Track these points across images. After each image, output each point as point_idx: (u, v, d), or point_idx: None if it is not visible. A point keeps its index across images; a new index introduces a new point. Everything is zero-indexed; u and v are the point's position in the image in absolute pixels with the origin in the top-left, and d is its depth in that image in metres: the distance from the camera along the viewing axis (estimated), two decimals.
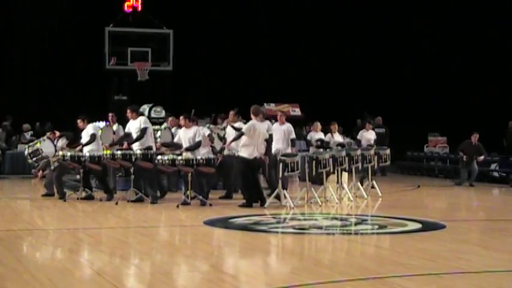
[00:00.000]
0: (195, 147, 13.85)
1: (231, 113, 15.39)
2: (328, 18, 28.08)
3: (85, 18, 25.27)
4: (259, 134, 13.60)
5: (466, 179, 19.68)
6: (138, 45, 24.19)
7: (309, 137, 18.34)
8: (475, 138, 19.83)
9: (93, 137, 14.64)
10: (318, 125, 18.15)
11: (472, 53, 25.46)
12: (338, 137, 17.56)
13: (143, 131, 14.12)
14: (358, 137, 17.91)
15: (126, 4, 24.51)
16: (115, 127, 15.97)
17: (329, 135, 17.59)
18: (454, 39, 26.13)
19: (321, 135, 17.75)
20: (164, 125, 16.81)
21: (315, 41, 27.98)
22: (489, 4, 25.47)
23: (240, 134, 13.80)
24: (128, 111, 14.47)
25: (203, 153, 13.87)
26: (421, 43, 27.18)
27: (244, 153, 13.63)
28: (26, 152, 15.47)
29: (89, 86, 25.61)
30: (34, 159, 15.37)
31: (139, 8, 24.51)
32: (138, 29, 24.25)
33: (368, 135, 17.77)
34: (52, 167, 15.16)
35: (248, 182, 13.69)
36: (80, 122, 14.89)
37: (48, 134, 15.55)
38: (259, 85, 26.04)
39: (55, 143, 15.34)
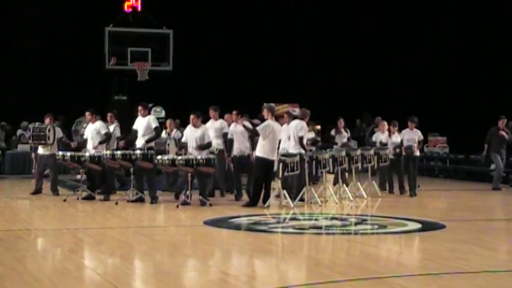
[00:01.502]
0: (207, 146, 13.92)
1: (234, 112, 15.29)
2: (328, 18, 28.07)
3: (85, 18, 25.27)
4: (275, 133, 13.62)
5: (500, 176, 17.98)
6: (138, 45, 24.17)
7: (374, 138, 17.33)
8: (502, 123, 17.91)
9: (108, 136, 14.80)
10: (385, 124, 17.16)
11: (472, 53, 25.45)
12: (397, 138, 16.56)
13: (157, 130, 14.26)
14: (401, 136, 16.48)
15: (126, 4, 24.48)
16: (112, 127, 15.96)
17: (386, 135, 16.91)
18: (454, 39, 26.12)
19: (386, 135, 16.95)
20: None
21: (315, 41, 27.97)
22: (490, 4, 25.45)
23: (254, 133, 13.82)
24: (140, 107, 14.53)
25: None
26: (421, 43, 27.17)
27: (260, 153, 13.67)
28: (28, 134, 15.69)
29: (89, 86, 25.61)
30: (35, 142, 15.64)
31: (139, 8, 24.48)
32: (138, 29, 24.23)
33: (412, 135, 16.34)
34: (41, 152, 15.47)
35: (259, 182, 13.69)
36: (88, 115, 14.97)
37: (48, 119, 15.67)
38: (259, 85, 26.04)
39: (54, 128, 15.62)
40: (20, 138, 22.25)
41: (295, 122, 14.29)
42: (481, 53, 25.29)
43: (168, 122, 16.79)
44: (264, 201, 13.57)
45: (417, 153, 16.23)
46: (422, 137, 16.51)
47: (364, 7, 28.24)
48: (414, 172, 16.21)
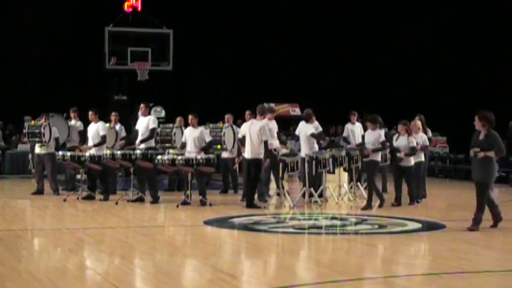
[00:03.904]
0: (209, 146, 13.94)
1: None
2: (328, 18, 28.09)
3: (85, 18, 25.28)
4: (247, 134, 13.67)
5: None
6: (138, 45, 24.22)
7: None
8: None
9: (103, 139, 14.73)
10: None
11: (472, 53, 25.46)
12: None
13: (152, 132, 14.23)
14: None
15: (126, 4, 24.54)
16: (117, 127, 15.99)
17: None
18: (454, 39, 26.13)
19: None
20: (175, 124, 16.73)
21: (315, 41, 27.98)
22: (491, 4, 25.45)
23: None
24: (142, 105, 14.54)
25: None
26: (421, 43, 27.18)
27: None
28: (24, 131, 15.67)
29: (89, 86, 25.62)
30: (30, 139, 15.60)
31: (139, 8, 24.54)
32: (138, 29, 24.28)
33: (370, 136, 14.72)
34: (38, 151, 15.50)
35: (247, 180, 13.82)
36: (92, 115, 14.95)
37: (43, 118, 15.73)
38: (259, 85, 26.05)
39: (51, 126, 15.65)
40: (20, 137, 22.27)
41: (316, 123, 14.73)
42: (482, 53, 25.29)
43: (178, 119, 16.68)
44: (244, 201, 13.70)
45: (377, 158, 13.61)
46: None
47: (364, 7, 28.25)
48: (370, 180, 13.60)
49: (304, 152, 14.18)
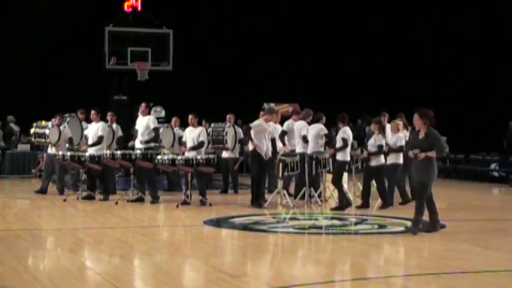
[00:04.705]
0: (198, 146, 13.90)
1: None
2: (327, 18, 28.10)
3: (85, 18, 25.29)
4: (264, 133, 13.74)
5: None
6: (138, 45, 24.23)
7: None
8: None
9: (100, 139, 14.64)
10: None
11: (472, 53, 25.46)
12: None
13: (157, 131, 14.25)
14: None
15: (126, 4, 24.54)
16: (114, 126, 16.00)
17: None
18: (454, 39, 26.13)
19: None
20: (166, 125, 16.80)
21: (315, 41, 27.99)
22: (492, 4, 25.45)
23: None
24: (143, 105, 14.56)
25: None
26: (422, 43, 27.18)
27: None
28: (32, 130, 15.72)
29: (89, 86, 25.62)
30: (37, 139, 15.71)
31: (139, 8, 24.54)
32: (138, 29, 24.28)
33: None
34: (50, 151, 15.61)
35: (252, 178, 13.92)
36: (93, 114, 14.93)
37: (56, 119, 15.75)
38: (259, 85, 26.06)
39: (61, 128, 15.65)
40: (21, 137, 22.26)
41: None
42: (482, 52, 25.30)
43: (173, 119, 16.75)
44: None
45: (343, 157, 13.35)
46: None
47: (363, 7, 28.25)
48: (337, 179, 13.43)
49: (310, 150, 14.16)
